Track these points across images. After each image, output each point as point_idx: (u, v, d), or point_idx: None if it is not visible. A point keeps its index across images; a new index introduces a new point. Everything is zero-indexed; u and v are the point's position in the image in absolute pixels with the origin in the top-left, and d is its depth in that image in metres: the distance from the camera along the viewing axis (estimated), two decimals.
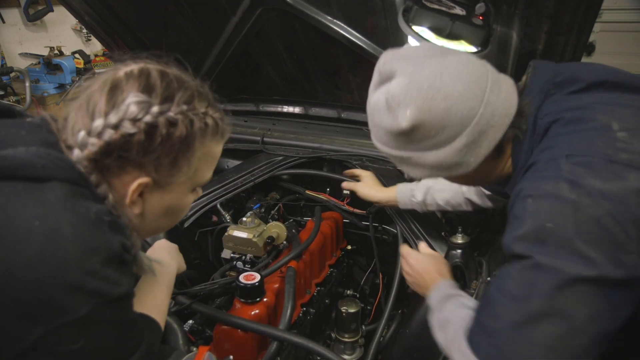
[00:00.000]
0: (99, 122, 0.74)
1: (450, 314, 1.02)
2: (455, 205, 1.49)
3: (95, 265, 0.68)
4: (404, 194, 1.56)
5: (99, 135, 0.74)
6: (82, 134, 0.75)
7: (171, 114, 0.77)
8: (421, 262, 1.27)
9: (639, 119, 0.86)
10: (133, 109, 0.74)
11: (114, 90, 0.76)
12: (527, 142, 0.95)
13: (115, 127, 0.74)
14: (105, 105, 0.75)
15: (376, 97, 0.96)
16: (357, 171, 1.79)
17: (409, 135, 0.92)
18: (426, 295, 1.18)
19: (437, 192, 1.49)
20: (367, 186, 1.70)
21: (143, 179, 0.78)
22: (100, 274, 0.68)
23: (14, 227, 0.65)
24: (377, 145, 1.03)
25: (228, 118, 0.90)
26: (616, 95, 0.92)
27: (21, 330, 0.64)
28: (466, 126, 0.90)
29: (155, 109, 0.75)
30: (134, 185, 0.78)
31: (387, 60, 0.95)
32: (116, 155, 0.75)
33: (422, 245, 1.40)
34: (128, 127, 0.73)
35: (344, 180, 1.96)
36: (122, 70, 0.79)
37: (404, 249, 1.36)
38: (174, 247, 1.26)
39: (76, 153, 0.75)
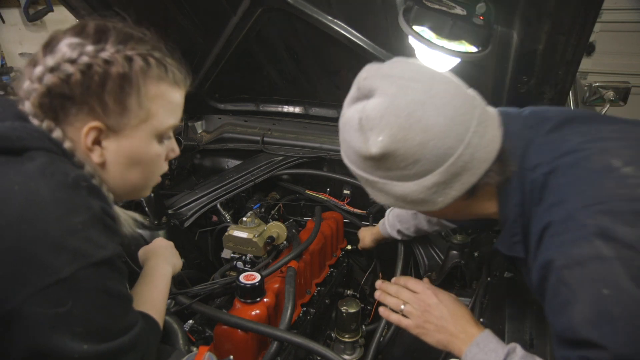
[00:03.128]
0: (38, 69, 0.78)
1: None
2: (419, 232, 1.53)
3: (77, 225, 0.70)
4: (382, 227, 1.64)
5: (40, 80, 0.77)
6: (27, 83, 0.79)
7: (106, 52, 0.79)
8: (444, 301, 1.05)
9: (634, 151, 0.82)
10: (66, 50, 0.77)
11: (51, 41, 0.81)
12: (515, 193, 0.89)
13: (53, 69, 0.77)
14: (42, 54, 0.79)
15: (350, 113, 0.88)
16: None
17: (377, 162, 0.85)
18: (453, 347, 0.99)
19: (400, 223, 1.54)
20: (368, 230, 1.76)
21: (93, 123, 0.79)
22: (82, 234, 0.70)
23: None
24: (345, 160, 0.95)
25: (181, 68, 0.90)
26: (595, 130, 0.88)
27: (8, 291, 0.65)
28: (440, 165, 0.83)
29: (89, 48, 0.78)
30: (85, 129, 0.79)
31: (369, 75, 0.87)
32: (58, 98, 0.78)
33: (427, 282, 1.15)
34: (65, 69, 0.76)
35: (344, 180, 1.96)
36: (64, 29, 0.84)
37: (415, 283, 1.11)
38: (170, 244, 1.27)
39: (27, 105, 0.79)
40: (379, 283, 1.14)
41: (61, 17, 5.19)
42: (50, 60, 0.77)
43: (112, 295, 0.75)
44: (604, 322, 0.71)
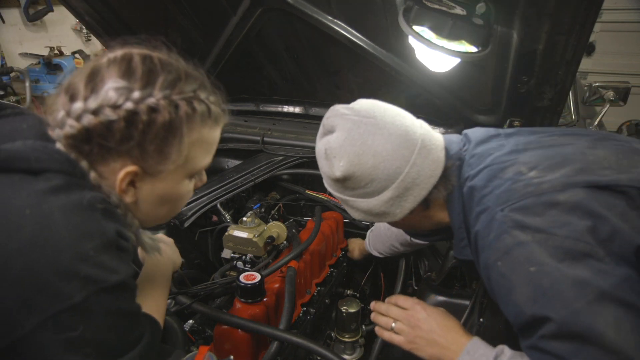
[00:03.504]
0: (78, 105, 0.73)
1: None
2: (393, 252, 1.66)
3: (89, 252, 0.68)
4: (365, 244, 1.77)
5: (78, 118, 0.73)
6: (61, 113, 0.75)
7: (153, 99, 0.74)
8: (433, 315, 1.10)
9: (540, 157, 0.98)
10: (112, 95, 0.72)
11: (94, 75, 0.75)
12: (457, 203, 1.06)
13: (95, 112, 0.72)
14: (84, 89, 0.74)
15: (319, 146, 1.07)
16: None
17: (343, 183, 1.04)
18: (445, 359, 1.03)
19: (377, 243, 1.70)
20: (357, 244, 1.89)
21: (130, 168, 0.76)
22: (95, 260, 0.68)
23: (6, 216, 0.66)
24: (325, 183, 1.13)
25: (223, 102, 0.87)
26: (513, 142, 1.05)
27: (19, 318, 0.64)
28: (392, 182, 1.00)
29: (135, 94, 0.73)
30: (121, 174, 0.76)
31: (331, 115, 1.06)
32: (97, 142, 0.74)
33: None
34: (108, 114, 0.72)
35: None
36: (106, 56, 0.78)
37: (404, 300, 1.17)
38: (170, 241, 1.26)
39: (57, 132, 0.75)
40: (372, 304, 1.22)
41: (61, 17, 5.21)
42: (92, 102, 0.72)
43: (123, 314, 0.74)
44: (539, 295, 0.82)
